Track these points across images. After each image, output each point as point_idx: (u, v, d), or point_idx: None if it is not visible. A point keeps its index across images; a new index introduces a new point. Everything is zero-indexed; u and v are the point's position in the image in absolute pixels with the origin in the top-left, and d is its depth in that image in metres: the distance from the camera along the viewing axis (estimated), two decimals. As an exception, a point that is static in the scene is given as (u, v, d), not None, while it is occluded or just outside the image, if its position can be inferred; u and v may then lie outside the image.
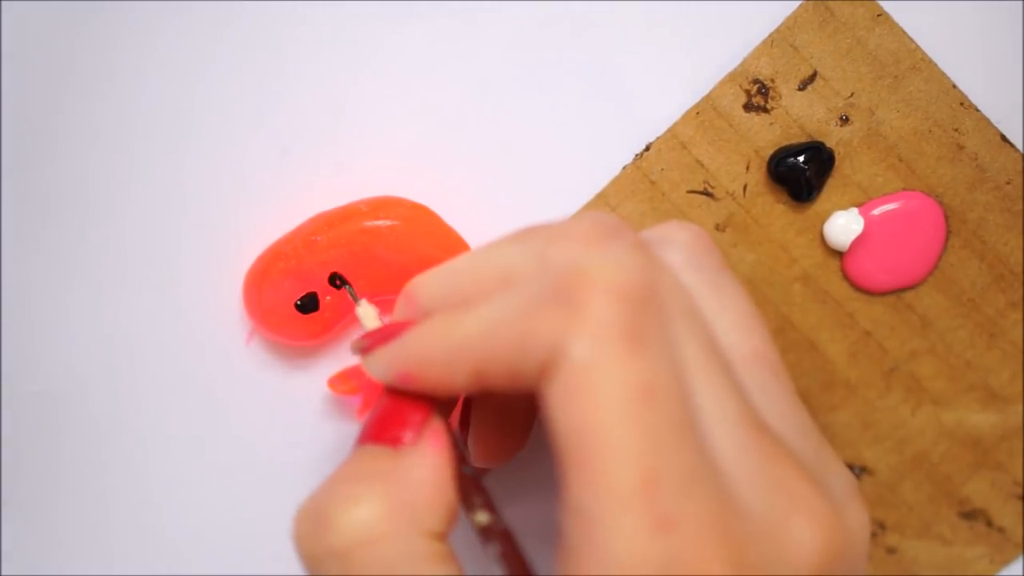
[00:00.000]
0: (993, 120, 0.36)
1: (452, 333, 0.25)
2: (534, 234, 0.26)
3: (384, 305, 0.35)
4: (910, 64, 0.36)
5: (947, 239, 0.37)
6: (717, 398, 0.24)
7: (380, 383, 0.28)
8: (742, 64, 0.36)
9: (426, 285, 0.28)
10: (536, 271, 0.25)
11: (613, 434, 0.22)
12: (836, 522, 0.24)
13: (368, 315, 0.34)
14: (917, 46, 0.36)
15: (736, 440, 0.24)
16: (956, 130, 0.36)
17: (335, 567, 0.24)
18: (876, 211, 0.36)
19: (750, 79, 0.36)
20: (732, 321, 0.27)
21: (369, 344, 0.28)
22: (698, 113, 0.36)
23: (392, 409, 0.26)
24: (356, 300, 0.34)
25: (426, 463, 0.25)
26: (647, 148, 0.37)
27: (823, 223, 0.37)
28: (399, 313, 0.29)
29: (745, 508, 0.23)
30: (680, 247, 0.28)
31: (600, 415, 0.22)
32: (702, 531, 0.22)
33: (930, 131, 0.36)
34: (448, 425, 0.27)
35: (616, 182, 0.37)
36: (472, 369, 0.25)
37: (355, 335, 0.37)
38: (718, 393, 0.24)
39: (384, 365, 0.27)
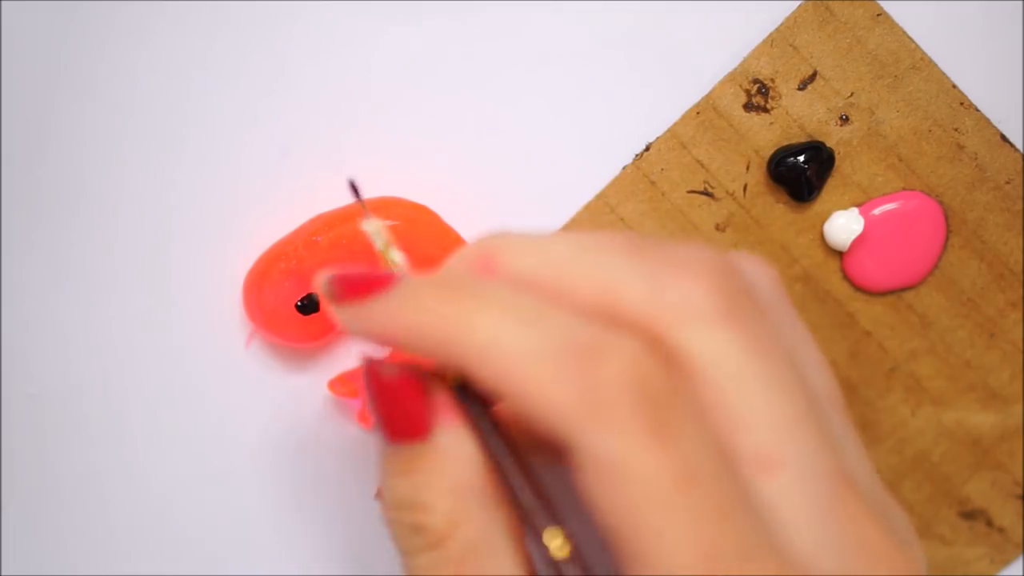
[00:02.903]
0: (993, 120, 0.36)
1: (456, 327, 0.23)
2: (650, 255, 0.24)
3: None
4: (910, 64, 0.36)
5: (947, 239, 0.37)
6: (808, 455, 0.24)
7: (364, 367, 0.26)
8: (742, 64, 0.36)
9: (518, 253, 0.25)
10: (647, 298, 0.24)
11: (662, 525, 0.22)
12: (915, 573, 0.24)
13: (379, 235, 0.28)
14: (917, 46, 0.36)
15: (824, 500, 0.23)
16: (956, 130, 0.36)
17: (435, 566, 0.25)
18: (876, 211, 0.36)
19: (750, 79, 0.36)
20: (811, 361, 0.26)
21: (348, 291, 0.25)
22: (698, 113, 0.36)
23: (398, 403, 0.25)
24: (367, 214, 0.29)
25: (456, 442, 0.25)
26: (647, 148, 0.36)
27: (823, 223, 0.37)
28: (459, 267, 0.26)
29: (817, 569, 0.23)
30: (765, 286, 0.27)
31: (642, 510, 0.22)
32: None
33: (930, 131, 0.36)
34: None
35: (616, 182, 0.36)
36: (460, 368, 0.24)
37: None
38: (810, 448, 0.24)
39: (370, 325, 0.25)
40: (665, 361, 0.23)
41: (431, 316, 0.24)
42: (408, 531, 0.25)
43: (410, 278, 0.25)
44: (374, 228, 0.28)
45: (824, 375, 0.27)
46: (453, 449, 0.25)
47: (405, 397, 0.25)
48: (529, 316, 0.23)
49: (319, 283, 0.26)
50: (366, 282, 0.25)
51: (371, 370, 0.25)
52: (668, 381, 0.23)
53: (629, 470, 0.22)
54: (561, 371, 0.22)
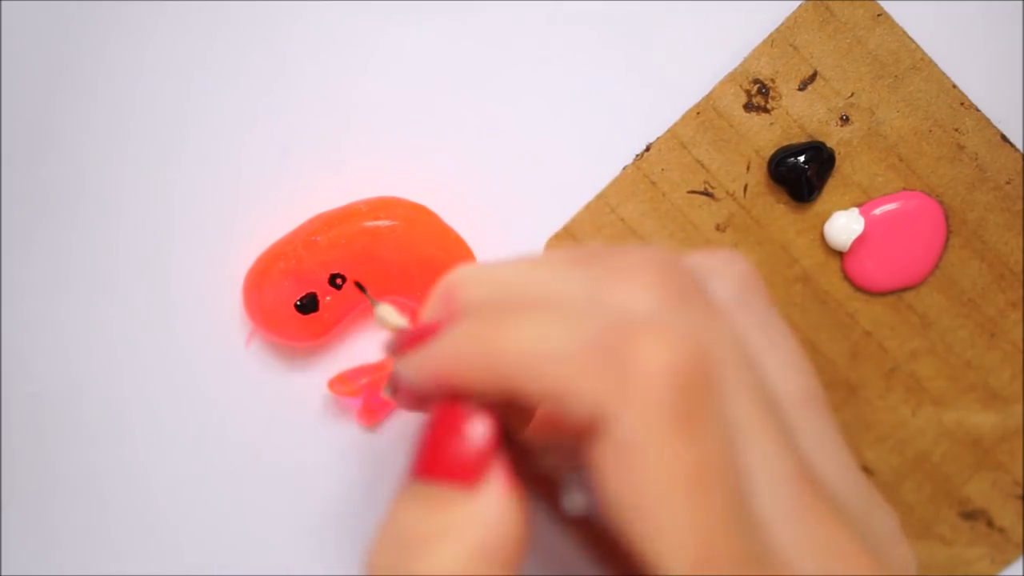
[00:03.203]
0: (993, 120, 0.36)
1: (494, 344, 0.23)
2: (594, 263, 0.25)
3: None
4: (910, 64, 0.36)
5: (947, 239, 0.37)
6: (769, 457, 0.23)
7: (435, 403, 0.25)
8: (742, 64, 0.36)
9: (470, 285, 0.26)
10: (587, 306, 0.24)
11: (666, 521, 0.22)
12: None
13: (390, 316, 0.31)
14: (917, 46, 0.36)
15: (788, 503, 0.23)
16: (956, 130, 0.36)
17: None
18: (876, 211, 0.36)
19: (750, 79, 0.36)
20: (781, 362, 0.26)
21: (403, 345, 0.26)
22: (698, 113, 0.36)
23: (450, 439, 0.24)
24: (374, 303, 0.33)
25: (500, 502, 0.24)
26: (647, 148, 0.37)
27: (823, 223, 0.37)
28: (433, 307, 0.27)
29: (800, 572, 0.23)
30: (730, 284, 0.27)
31: (652, 500, 0.22)
32: None
33: (930, 131, 0.36)
34: (513, 446, 0.25)
35: (616, 182, 0.37)
36: (508, 386, 0.23)
37: (354, 336, 0.37)
38: (770, 451, 0.24)
39: (419, 369, 0.25)
40: (703, 353, 0.23)
41: (477, 340, 0.24)
42: (395, 567, 0.24)
43: (455, 320, 0.25)
44: (384, 314, 0.30)
45: (798, 375, 0.26)
46: (492, 509, 0.24)
47: (475, 440, 0.24)
48: (567, 316, 0.23)
49: (385, 347, 0.27)
50: (420, 333, 0.25)
51: (455, 402, 0.24)
52: (704, 373, 0.23)
53: (650, 454, 0.22)
54: (602, 356, 0.22)
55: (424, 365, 0.25)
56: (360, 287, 0.35)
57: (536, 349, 0.23)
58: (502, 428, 0.24)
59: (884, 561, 0.24)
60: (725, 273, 0.27)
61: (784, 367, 0.26)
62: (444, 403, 0.24)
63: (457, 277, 0.26)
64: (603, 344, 0.23)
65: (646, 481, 0.22)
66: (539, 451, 0.27)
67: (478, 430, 0.24)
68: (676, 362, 0.22)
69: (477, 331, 0.24)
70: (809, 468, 0.24)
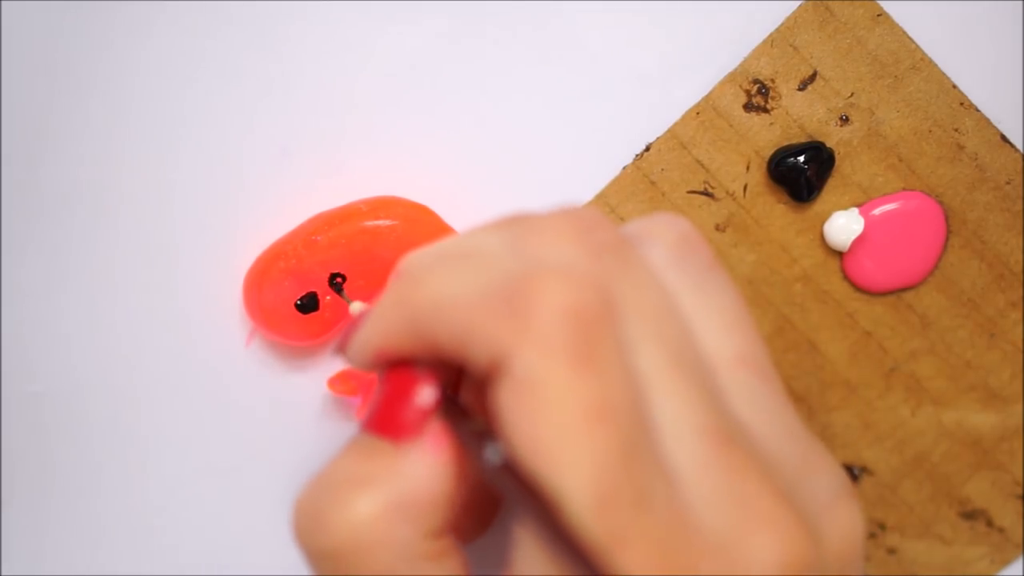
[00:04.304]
0: (993, 120, 0.36)
1: (410, 300, 0.24)
2: (515, 223, 0.25)
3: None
4: (910, 64, 0.36)
5: (947, 239, 0.37)
6: (678, 409, 0.23)
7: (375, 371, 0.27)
8: (742, 64, 0.36)
9: (407, 258, 0.27)
10: (502, 257, 0.24)
11: (563, 456, 0.22)
12: (802, 536, 0.23)
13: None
14: (917, 46, 0.36)
15: (696, 454, 0.23)
16: (956, 130, 0.36)
17: (330, 567, 0.24)
18: (876, 211, 0.36)
19: (750, 79, 0.36)
20: (717, 324, 0.26)
21: (344, 338, 0.27)
22: (698, 113, 0.36)
23: (394, 399, 0.26)
24: (348, 301, 0.35)
25: (427, 462, 0.25)
26: (647, 148, 0.37)
27: (823, 223, 0.37)
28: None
29: (700, 524, 0.23)
30: (665, 246, 0.27)
31: (550, 436, 0.22)
32: (651, 550, 0.22)
33: (930, 131, 0.36)
34: (456, 409, 0.27)
35: (616, 182, 0.37)
36: (429, 340, 0.24)
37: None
38: (680, 404, 0.24)
39: (357, 352, 0.26)
40: (605, 296, 0.23)
41: (396, 300, 0.25)
42: (314, 507, 0.25)
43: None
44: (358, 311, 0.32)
45: (736, 336, 0.26)
46: (415, 467, 0.25)
47: (412, 402, 0.25)
48: (478, 266, 0.24)
49: (332, 349, 0.29)
50: (355, 321, 0.27)
51: (398, 367, 0.25)
52: (605, 315, 0.23)
53: (547, 390, 0.22)
54: (503, 300, 0.23)
55: (360, 345, 0.26)
56: (338, 288, 0.35)
57: (443, 298, 0.24)
58: (444, 392, 0.25)
59: (815, 522, 0.24)
60: (663, 235, 0.27)
61: (720, 327, 0.26)
62: (389, 367, 0.26)
63: (403, 260, 0.27)
64: (507, 289, 0.23)
65: (543, 418, 0.22)
66: (472, 412, 0.28)
67: (416, 393, 0.25)
68: (574, 302, 0.23)
69: (397, 292, 0.25)
70: (734, 425, 0.24)
